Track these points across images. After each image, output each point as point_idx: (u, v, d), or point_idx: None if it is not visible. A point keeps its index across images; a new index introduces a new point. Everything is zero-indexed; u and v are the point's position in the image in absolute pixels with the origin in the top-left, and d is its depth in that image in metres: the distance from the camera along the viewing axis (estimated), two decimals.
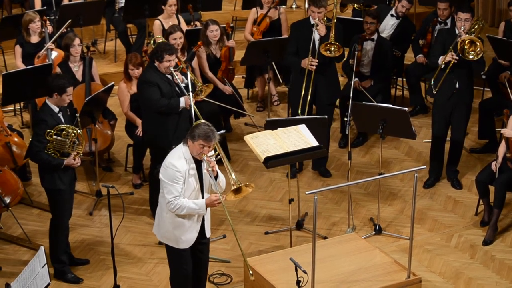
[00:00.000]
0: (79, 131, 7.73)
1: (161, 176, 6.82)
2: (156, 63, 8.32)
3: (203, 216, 6.99)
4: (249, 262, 7.44)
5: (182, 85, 8.40)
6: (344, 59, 9.84)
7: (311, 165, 9.83)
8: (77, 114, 7.99)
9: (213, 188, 6.93)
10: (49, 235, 7.94)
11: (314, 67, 9.18)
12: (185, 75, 8.50)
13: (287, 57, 9.62)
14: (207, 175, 6.85)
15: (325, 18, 9.22)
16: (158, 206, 7.04)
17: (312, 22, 9.18)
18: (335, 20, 9.13)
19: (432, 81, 9.14)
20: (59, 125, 7.61)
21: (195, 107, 8.33)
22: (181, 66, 8.70)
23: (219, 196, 6.79)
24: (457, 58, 8.83)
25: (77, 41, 9.56)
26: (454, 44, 8.86)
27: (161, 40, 9.42)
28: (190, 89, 8.37)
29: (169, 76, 8.36)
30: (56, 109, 7.64)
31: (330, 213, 9.07)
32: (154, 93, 8.29)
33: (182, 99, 8.35)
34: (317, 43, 9.20)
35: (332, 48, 9.13)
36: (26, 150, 8.89)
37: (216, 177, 6.84)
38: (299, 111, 9.34)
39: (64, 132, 7.64)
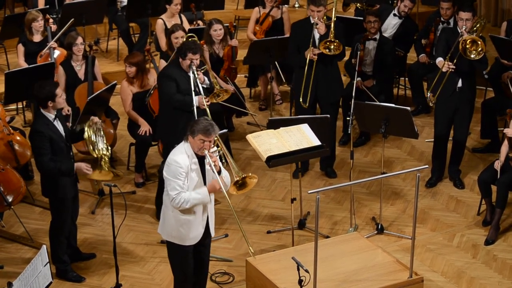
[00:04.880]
0: (87, 124, 7.75)
1: (164, 173, 6.84)
2: (180, 60, 8.36)
3: (208, 215, 7.00)
4: (251, 261, 7.46)
5: (203, 86, 8.43)
6: (346, 58, 9.83)
7: (319, 165, 9.82)
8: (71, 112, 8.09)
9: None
10: (49, 236, 7.95)
11: (316, 57, 9.16)
12: (207, 75, 8.55)
13: (289, 56, 9.62)
14: (209, 171, 6.85)
15: (325, 17, 9.22)
16: (163, 205, 7.05)
17: (312, 21, 9.17)
18: (335, 19, 9.12)
19: (428, 93, 9.16)
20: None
21: (207, 109, 8.34)
22: (205, 66, 8.73)
23: (219, 180, 6.77)
24: (454, 67, 8.83)
25: (79, 39, 9.56)
26: (455, 44, 8.85)
27: (190, 39, 9.32)
28: (203, 90, 8.39)
29: (190, 74, 8.39)
30: (52, 117, 7.53)
31: (332, 212, 9.07)
32: (170, 88, 8.34)
33: (196, 98, 8.34)
34: (317, 41, 9.20)
35: (332, 46, 9.12)
36: (30, 149, 8.90)
37: (219, 172, 6.84)
38: (301, 100, 9.32)
39: (86, 135, 7.71)
